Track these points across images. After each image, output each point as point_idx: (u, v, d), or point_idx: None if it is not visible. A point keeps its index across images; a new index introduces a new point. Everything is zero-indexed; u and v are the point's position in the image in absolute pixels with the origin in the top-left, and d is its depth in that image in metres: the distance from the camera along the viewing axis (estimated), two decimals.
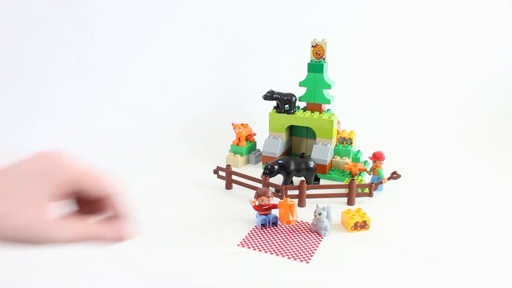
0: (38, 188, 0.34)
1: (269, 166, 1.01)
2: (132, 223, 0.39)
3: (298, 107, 1.19)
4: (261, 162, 1.22)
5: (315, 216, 0.83)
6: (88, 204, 0.38)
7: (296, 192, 0.97)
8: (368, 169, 1.06)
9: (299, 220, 0.89)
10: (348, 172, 1.11)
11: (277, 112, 1.17)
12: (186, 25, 1.56)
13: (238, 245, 0.81)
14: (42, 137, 1.29)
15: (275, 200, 0.88)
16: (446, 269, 0.73)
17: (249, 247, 0.80)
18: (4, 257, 0.77)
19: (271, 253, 0.78)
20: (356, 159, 1.15)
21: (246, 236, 0.83)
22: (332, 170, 1.13)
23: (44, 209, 0.34)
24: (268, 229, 0.86)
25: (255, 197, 0.86)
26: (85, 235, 0.36)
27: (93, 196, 0.36)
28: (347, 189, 0.96)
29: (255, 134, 1.26)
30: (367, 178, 1.09)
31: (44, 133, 1.32)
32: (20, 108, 1.33)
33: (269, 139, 1.17)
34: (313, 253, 0.78)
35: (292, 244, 0.81)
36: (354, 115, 1.43)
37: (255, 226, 0.87)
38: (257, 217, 0.87)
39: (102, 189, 0.36)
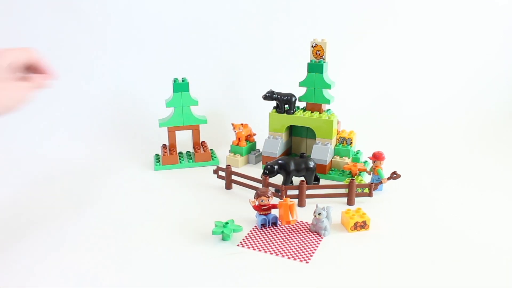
0: (3, 70, 0.61)
1: (268, 166, 1.01)
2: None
3: (298, 107, 1.19)
4: (261, 162, 1.22)
5: (315, 216, 0.83)
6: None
7: (296, 192, 0.97)
8: (368, 169, 1.06)
9: (298, 220, 0.89)
10: (348, 172, 1.11)
11: (277, 112, 1.17)
12: (186, 25, 1.56)
13: (238, 245, 0.81)
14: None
15: (275, 200, 0.88)
16: (446, 269, 0.73)
17: (248, 247, 0.80)
18: (2, 256, 0.77)
19: (271, 253, 0.78)
20: (356, 159, 1.15)
21: (245, 236, 0.83)
22: (332, 170, 1.13)
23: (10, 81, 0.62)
24: (268, 229, 0.86)
25: (255, 197, 0.86)
26: (29, 85, 0.64)
27: (30, 63, 0.66)
28: (347, 189, 0.96)
29: (255, 134, 1.26)
30: (367, 178, 1.09)
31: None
32: None
33: (269, 139, 1.17)
34: (313, 253, 0.78)
35: (291, 244, 0.81)
36: (354, 115, 1.43)
37: (255, 226, 0.87)
38: (256, 217, 0.88)
39: (31, 57, 0.66)
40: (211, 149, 1.25)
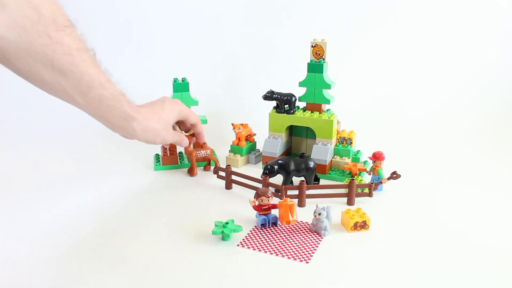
0: (170, 116, 0.82)
1: (268, 166, 1.01)
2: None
3: (298, 107, 1.19)
4: (261, 162, 1.22)
5: (315, 216, 0.83)
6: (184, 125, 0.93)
7: (296, 192, 0.97)
8: (368, 169, 1.06)
9: (298, 220, 0.89)
10: (348, 172, 1.11)
11: (277, 112, 1.17)
12: (186, 25, 1.56)
13: (238, 245, 0.81)
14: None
15: (275, 200, 0.88)
16: (446, 269, 0.73)
17: (248, 247, 0.80)
18: (6, 256, 0.77)
19: (271, 253, 0.78)
20: (356, 159, 1.15)
21: (245, 236, 0.83)
22: (332, 170, 1.13)
23: (171, 128, 0.84)
24: (268, 229, 0.86)
25: (255, 197, 0.86)
26: (178, 138, 0.87)
27: (192, 123, 0.91)
28: (347, 189, 0.96)
29: (255, 134, 1.26)
30: (367, 178, 1.09)
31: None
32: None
33: (269, 139, 1.17)
34: (313, 253, 0.78)
35: (292, 244, 0.81)
36: (354, 115, 1.43)
37: (255, 226, 0.87)
38: (256, 217, 0.88)
39: (196, 119, 0.90)
40: (212, 150, 1.25)
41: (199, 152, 1.13)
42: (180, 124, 0.94)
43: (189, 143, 0.99)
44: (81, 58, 0.63)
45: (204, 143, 1.17)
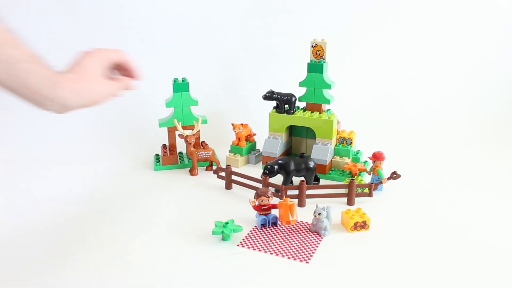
0: (96, 67, 0.68)
1: (268, 166, 1.01)
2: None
3: (298, 107, 1.19)
4: (261, 162, 1.22)
5: (315, 216, 0.83)
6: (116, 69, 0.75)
7: (296, 192, 0.97)
8: (368, 169, 1.06)
9: (298, 220, 0.89)
10: (348, 172, 1.11)
11: (277, 112, 1.17)
12: (186, 25, 1.56)
13: (238, 245, 0.81)
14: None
15: (275, 200, 0.88)
16: (446, 269, 0.73)
17: (248, 247, 0.80)
18: (7, 255, 0.77)
19: (271, 253, 0.78)
20: (356, 159, 1.15)
21: (246, 236, 0.83)
22: (332, 170, 1.13)
23: (103, 78, 0.69)
24: (268, 229, 0.86)
25: (255, 197, 0.86)
26: (119, 85, 0.72)
27: (121, 62, 0.74)
28: (347, 189, 0.96)
29: (255, 134, 1.26)
30: (367, 178, 1.09)
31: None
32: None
33: (269, 139, 1.17)
34: (313, 253, 0.78)
35: (292, 244, 0.81)
36: (354, 115, 1.43)
37: (255, 226, 0.87)
38: (257, 217, 0.88)
39: (122, 57, 0.74)
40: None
41: (201, 153, 1.13)
42: (120, 73, 0.78)
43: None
44: None
45: (206, 145, 1.18)
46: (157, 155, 1.22)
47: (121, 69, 0.76)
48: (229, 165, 1.05)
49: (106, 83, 0.71)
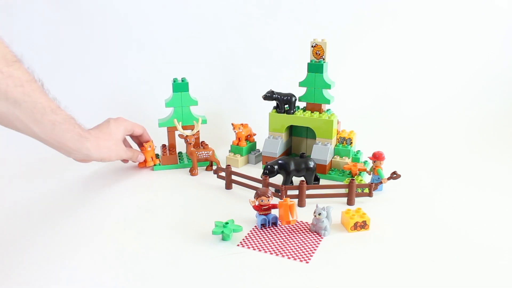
0: (117, 132, 0.96)
1: (268, 166, 1.01)
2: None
3: (298, 107, 1.19)
4: (261, 162, 1.22)
5: (315, 216, 0.83)
6: (136, 138, 1.10)
7: (296, 192, 0.97)
8: (368, 169, 1.06)
9: (298, 220, 0.89)
10: (348, 172, 1.11)
11: (277, 112, 1.17)
12: (186, 25, 1.56)
13: (238, 245, 0.81)
14: None
15: (275, 200, 0.88)
16: (446, 269, 0.73)
17: (248, 247, 0.80)
18: (5, 255, 0.77)
19: (271, 253, 0.78)
20: (356, 159, 1.15)
21: (245, 236, 0.83)
22: (332, 170, 1.13)
23: (121, 143, 0.98)
24: (268, 229, 0.86)
25: (254, 197, 0.86)
26: (131, 154, 1.04)
27: (138, 134, 1.07)
28: (347, 189, 0.96)
29: (255, 134, 1.26)
30: (367, 178, 1.09)
31: None
32: None
33: (269, 139, 1.17)
34: (313, 253, 0.78)
35: (292, 244, 0.81)
36: (354, 115, 1.43)
37: (255, 226, 0.87)
38: (256, 217, 0.87)
39: (141, 130, 1.06)
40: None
41: (201, 153, 1.13)
42: (133, 138, 1.11)
43: (145, 159, 1.11)
44: (32, 88, 0.69)
45: (206, 145, 1.18)
46: (156, 155, 1.22)
47: (135, 137, 1.09)
48: (229, 165, 1.05)
49: (122, 148, 0.96)
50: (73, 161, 0.87)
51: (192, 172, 1.13)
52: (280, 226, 0.87)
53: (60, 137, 0.76)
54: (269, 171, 1.00)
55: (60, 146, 0.78)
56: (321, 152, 1.10)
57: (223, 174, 1.06)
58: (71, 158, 0.84)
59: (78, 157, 0.83)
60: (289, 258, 0.77)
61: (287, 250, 0.79)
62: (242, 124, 1.22)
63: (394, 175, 0.98)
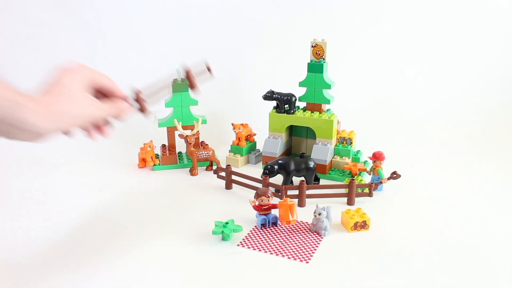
0: (77, 85, 0.56)
1: (269, 166, 1.01)
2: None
3: (298, 107, 1.19)
4: (261, 162, 1.22)
5: (315, 216, 0.83)
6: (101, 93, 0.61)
7: (296, 192, 0.97)
8: (368, 169, 1.06)
9: (299, 220, 0.89)
10: (348, 172, 1.11)
11: (277, 112, 1.17)
12: (186, 24, 1.56)
13: (238, 245, 0.81)
14: None
15: (275, 200, 0.88)
16: (446, 269, 0.73)
17: (249, 247, 0.80)
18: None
19: (271, 253, 0.78)
20: (356, 159, 1.15)
21: (246, 236, 0.83)
22: (332, 170, 1.13)
23: (86, 98, 0.56)
24: (268, 229, 0.86)
25: (255, 197, 0.86)
26: (110, 108, 0.60)
27: (106, 89, 0.61)
28: (347, 189, 0.96)
29: (255, 134, 1.26)
30: (367, 178, 1.09)
31: None
32: None
33: (269, 139, 1.17)
34: (313, 253, 0.78)
35: (292, 244, 0.81)
36: (354, 115, 1.43)
37: (255, 226, 0.87)
38: (257, 217, 0.87)
39: (109, 82, 0.61)
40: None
41: (201, 153, 1.13)
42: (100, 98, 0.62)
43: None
44: None
45: (206, 145, 1.18)
46: (156, 155, 1.21)
47: (104, 97, 0.61)
48: (229, 165, 1.05)
49: (90, 104, 0.57)
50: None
51: (192, 172, 1.13)
52: (280, 226, 0.87)
53: None
54: (269, 171, 1.00)
55: None
56: (321, 152, 1.10)
57: (223, 174, 1.06)
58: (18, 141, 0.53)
59: (24, 136, 0.52)
60: (289, 258, 0.77)
61: (287, 250, 0.79)
62: (242, 124, 1.22)
63: (394, 175, 0.98)
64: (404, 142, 1.37)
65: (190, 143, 1.13)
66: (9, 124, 0.50)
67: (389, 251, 0.79)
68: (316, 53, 1.11)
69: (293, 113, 1.15)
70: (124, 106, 0.63)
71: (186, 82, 1.15)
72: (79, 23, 1.48)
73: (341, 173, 1.11)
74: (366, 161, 1.16)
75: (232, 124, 1.22)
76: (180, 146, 1.27)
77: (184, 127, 1.17)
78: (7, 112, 0.49)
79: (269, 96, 1.15)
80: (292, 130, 1.23)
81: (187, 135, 1.13)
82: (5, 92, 0.49)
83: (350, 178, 0.98)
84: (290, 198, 0.87)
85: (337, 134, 1.16)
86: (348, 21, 1.58)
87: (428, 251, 0.78)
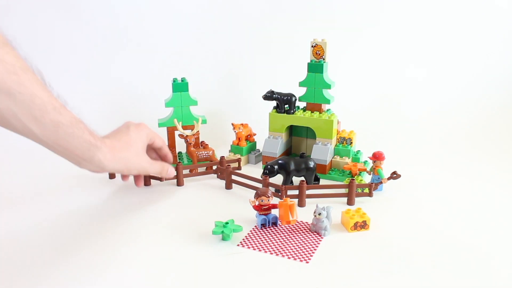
0: (138, 141, 0.77)
1: (269, 166, 1.01)
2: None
3: (298, 107, 1.19)
4: (261, 162, 1.22)
5: (315, 216, 0.83)
6: (153, 151, 0.87)
7: (296, 192, 0.97)
8: (368, 169, 1.06)
9: (299, 220, 0.89)
10: (348, 172, 1.11)
11: (277, 112, 1.17)
12: (186, 24, 1.56)
13: (238, 245, 0.81)
14: None
15: (275, 200, 0.88)
16: (447, 269, 0.73)
17: (248, 247, 0.80)
18: (4, 256, 0.77)
19: (271, 253, 0.78)
20: (356, 159, 1.15)
21: (245, 236, 0.83)
22: (332, 170, 1.13)
23: (144, 154, 0.79)
24: (268, 229, 0.86)
25: (255, 197, 0.86)
26: (159, 168, 0.83)
27: (157, 146, 0.85)
28: (347, 189, 0.96)
29: (255, 134, 1.26)
30: (367, 178, 1.09)
31: None
32: None
33: (269, 139, 1.17)
34: (313, 253, 0.78)
35: (292, 244, 0.81)
36: (354, 115, 1.43)
37: (255, 226, 0.87)
38: (257, 217, 0.87)
39: (162, 142, 0.85)
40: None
41: (201, 153, 1.13)
42: (149, 151, 0.86)
43: (174, 172, 0.96)
44: (27, 78, 0.57)
45: (206, 145, 1.18)
46: None
47: (152, 150, 0.87)
48: (229, 165, 1.05)
49: (146, 160, 0.79)
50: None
51: (192, 171, 1.13)
52: (280, 226, 0.87)
53: (65, 142, 0.63)
54: (269, 171, 1.00)
55: (67, 153, 0.65)
56: (321, 152, 1.10)
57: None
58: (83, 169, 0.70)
59: (90, 168, 0.69)
60: (289, 258, 0.77)
61: (287, 250, 0.79)
62: (242, 124, 1.22)
63: (394, 175, 0.98)
64: (404, 142, 1.37)
65: (190, 143, 1.13)
66: (82, 158, 0.66)
67: (389, 251, 0.79)
68: (316, 53, 1.11)
69: (293, 113, 1.15)
70: (168, 169, 0.87)
71: (186, 82, 1.15)
72: (79, 22, 1.48)
73: (341, 173, 1.11)
74: (366, 161, 1.16)
75: (232, 124, 1.22)
76: (180, 146, 1.27)
77: (184, 127, 1.17)
78: (85, 151, 0.65)
79: (269, 96, 1.15)
80: (292, 130, 1.23)
81: (187, 135, 1.13)
82: (86, 134, 0.65)
83: (350, 178, 0.98)
84: (290, 198, 0.87)
85: (337, 134, 1.16)
86: (348, 21, 1.58)
87: (428, 251, 0.78)
